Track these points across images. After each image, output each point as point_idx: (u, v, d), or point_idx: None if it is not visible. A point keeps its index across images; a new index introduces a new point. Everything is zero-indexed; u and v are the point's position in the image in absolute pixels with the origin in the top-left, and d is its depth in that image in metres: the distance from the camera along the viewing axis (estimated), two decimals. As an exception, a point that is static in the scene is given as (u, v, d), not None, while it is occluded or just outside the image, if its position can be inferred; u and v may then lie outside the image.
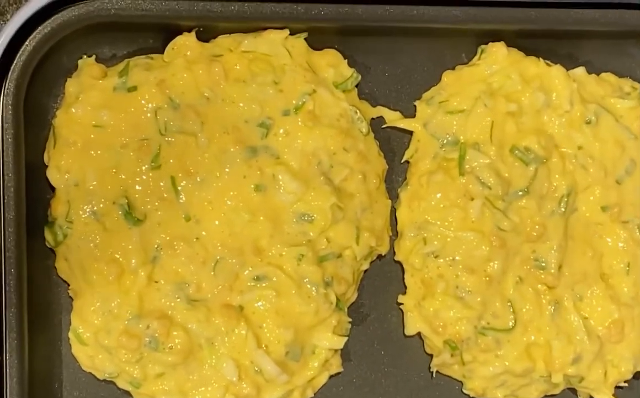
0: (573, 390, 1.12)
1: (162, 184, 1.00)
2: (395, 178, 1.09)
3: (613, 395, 1.10)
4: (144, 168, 1.00)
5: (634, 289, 1.08)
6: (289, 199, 1.02)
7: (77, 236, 0.99)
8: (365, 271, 1.08)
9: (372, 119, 1.08)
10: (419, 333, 1.09)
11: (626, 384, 1.12)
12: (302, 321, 1.02)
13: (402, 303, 1.09)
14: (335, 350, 1.05)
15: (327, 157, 1.03)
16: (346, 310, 1.06)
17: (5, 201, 0.95)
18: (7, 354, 0.95)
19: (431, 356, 1.09)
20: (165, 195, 1.00)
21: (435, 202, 1.06)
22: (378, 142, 1.08)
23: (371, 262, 1.09)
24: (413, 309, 1.08)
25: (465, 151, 1.06)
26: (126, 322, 0.99)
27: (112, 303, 0.99)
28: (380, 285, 1.09)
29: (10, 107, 0.95)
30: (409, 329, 1.09)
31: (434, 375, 1.09)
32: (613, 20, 1.07)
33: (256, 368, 1.01)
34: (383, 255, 1.08)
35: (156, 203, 1.00)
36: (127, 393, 1.03)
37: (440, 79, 1.10)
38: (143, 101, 1.00)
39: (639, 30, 1.09)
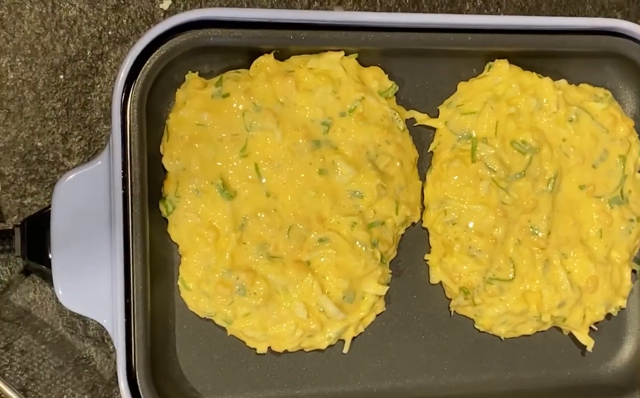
0: (558, 328, 1.16)
1: (248, 168, 1.04)
2: (424, 164, 1.13)
3: (588, 332, 1.15)
4: (234, 156, 1.04)
5: (605, 250, 1.13)
6: (345, 180, 1.06)
7: (183, 208, 1.03)
8: (402, 235, 1.12)
9: (407, 119, 1.12)
10: (440, 282, 1.13)
11: (595, 328, 1.17)
12: (354, 273, 1.06)
13: (427, 260, 1.14)
14: (380, 296, 1.09)
15: (373, 148, 1.07)
16: (388, 264, 1.10)
17: (132, 181, 0.99)
18: (134, 297, 1.00)
19: (450, 299, 1.14)
20: (250, 177, 1.04)
21: (453, 182, 1.10)
22: (411, 137, 1.13)
23: (406, 228, 1.12)
24: (436, 264, 1.13)
25: (476, 143, 1.10)
26: (221, 274, 1.04)
27: (210, 260, 1.04)
28: (412, 245, 1.13)
29: (135, 110, 1.00)
30: (433, 279, 1.13)
31: (452, 314, 1.14)
32: (590, 44, 1.12)
33: (320, 309, 1.06)
34: (415, 222, 1.13)
35: (244, 183, 1.04)
36: (222, 328, 1.08)
37: (457, 88, 1.14)
38: (234, 105, 1.04)
39: (611, 52, 1.13)
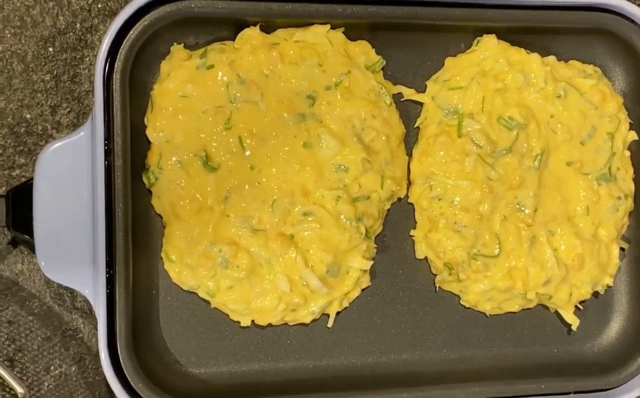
0: (545, 306, 1.14)
1: (232, 141, 1.02)
2: (410, 139, 1.11)
3: (573, 311, 1.13)
4: (218, 129, 1.02)
5: (592, 228, 1.10)
6: (330, 153, 1.04)
7: (166, 179, 1.01)
8: (388, 210, 1.10)
9: (394, 94, 1.09)
10: (426, 258, 1.11)
11: (581, 307, 1.15)
12: (339, 247, 1.04)
13: (413, 235, 1.11)
14: (364, 270, 1.07)
15: (359, 122, 1.05)
16: (373, 239, 1.08)
17: (115, 151, 0.97)
18: (116, 267, 0.98)
19: (435, 275, 1.12)
20: (234, 150, 1.02)
21: (439, 158, 1.08)
22: (398, 112, 1.10)
23: (392, 204, 1.10)
24: (421, 239, 1.10)
25: (463, 118, 1.08)
26: (204, 247, 1.02)
27: (193, 232, 1.02)
28: (398, 221, 1.11)
29: (118, 80, 0.97)
30: (418, 254, 1.11)
31: (437, 289, 1.12)
32: (580, 20, 1.09)
33: (304, 283, 1.04)
34: (401, 198, 1.10)
35: (227, 156, 1.02)
36: (206, 301, 1.06)
37: (444, 64, 1.11)
38: (218, 77, 1.02)
39: (600, 28, 1.10)
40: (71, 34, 1.11)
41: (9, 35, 1.10)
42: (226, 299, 1.04)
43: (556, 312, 1.15)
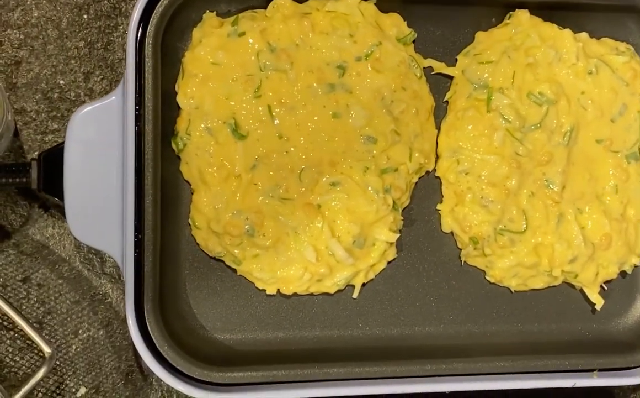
0: (570, 284, 1.12)
1: (261, 109, 1.00)
2: (440, 113, 1.09)
3: (599, 291, 1.11)
4: (248, 96, 1.00)
5: (621, 207, 1.08)
6: (358, 124, 1.02)
7: (194, 146, 1.00)
8: (416, 183, 1.08)
9: (424, 68, 1.08)
10: (452, 232, 1.09)
11: (606, 287, 1.12)
12: (366, 218, 1.02)
13: (439, 209, 1.10)
14: (391, 243, 1.05)
15: (388, 93, 1.03)
16: (400, 211, 1.06)
17: (146, 116, 0.96)
18: (145, 232, 0.96)
19: (461, 249, 1.10)
20: (263, 118, 1.01)
21: (467, 132, 1.06)
22: (429, 85, 1.08)
23: (420, 177, 1.09)
24: (448, 214, 1.09)
25: (492, 93, 1.05)
26: (231, 215, 1.00)
27: (220, 199, 1.00)
28: (425, 194, 1.09)
29: (150, 46, 0.96)
30: (444, 228, 1.09)
31: (462, 263, 1.10)
32: None
33: (330, 253, 1.02)
34: (430, 171, 1.09)
35: (256, 124, 1.00)
36: (232, 268, 1.05)
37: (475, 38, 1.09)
38: (249, 44, 1.00)
39: (633, 6, 1.09)
40: (105, 1, 1.10)
41: (44, 1, 1.09)
42: (252, 267, 1.02)
43: (581, 290, 1.12)
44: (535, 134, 1.05)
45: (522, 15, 1.07)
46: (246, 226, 1.01)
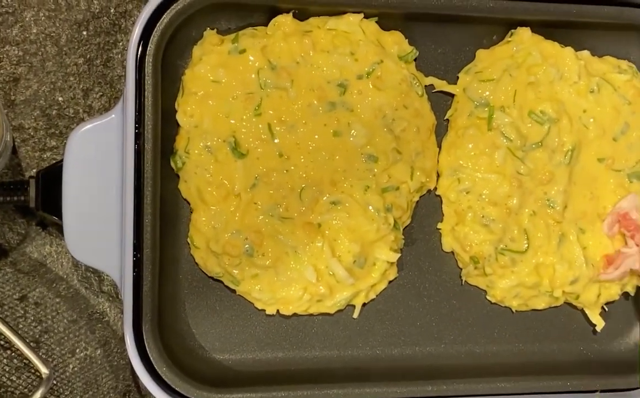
0: (572, 305, 1.11)
1: (261, 127, 1.00)
2: (441, 131, 1.09)
3: (600, 312, 1.10)
4: (248, 115, 1.00)
5: None
6: (359, 143, 1.02)
7: (193, 164, 0.99)
8: (417, 202, 1.08)
9: (425, 86, 1.07)
10: (452, 251, 1.09)
11: (606, 308, 1.12)
12: (366, 237, 1.01)
13: (440, 228, 1.09)
14: (392, 262, 1.05)
15: (390, 112, 1.03)
16: (401, 230, 1.06)
17: (145, 135, 0.95)
18: (144, 251, 0.95)
19: (461, 269, 1.09)
20: (263, 136, 1.00)
21: (468, 150, 1.05)
22: (430, 103, 1.08)
23: (421, 196, 1.08)
24: (448, 233, 1.08)
25: (493, 111, 1.05)
26: (230, 234, 0.99)
27: (219, 219, 1.00)
28: (427, 213, 1.09)
29: (151, 64, 0.95)
30: (445, 247, 1.09)
31: (463, 283, 1.09)
32: (614, 15, 1.06)
33: (330, 273, 1.01)
34: (431, 190, 1.08)
35: (256, 142, 1.00)
36: (231, 289, 1.04)
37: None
38: (249, 62, 1.00)
39: (635, 24, 1.08)
40: (105, 18, 1.10)
41: (43, 17, 1.08)
42: (251, 288, 1.02)
43: (582, 311, 1.12)
44: (537, 153, 1.05)
45: (523, 33, 1.07)
46: (245, 246, 1.00)
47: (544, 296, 1.09)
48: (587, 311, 1.11)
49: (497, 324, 1.11)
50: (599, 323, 1.11)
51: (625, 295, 1.12)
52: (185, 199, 1.03)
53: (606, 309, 1.12)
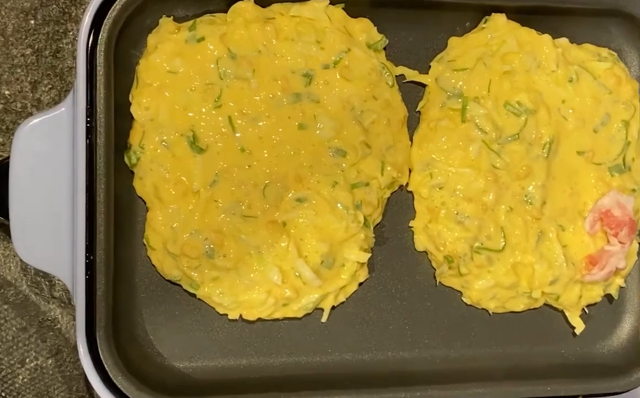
0: (552, 306, 1.12)
1: (221, 120, 1.00)
2: (413, 124, 1.09)
3: (580, 315, 1.12)
4: (207, 107, 1.00)
5: None
6: (326, 136, 1.02)
7: (149, 160, 0.99)
8: (388, 199, 1.08)
9: (396, 76, 1.07)
10: (426, 250, 1.09)
11: (587, 311, 1.12)
12: (335, 237, 1.02)
13: (412, 226, 1.09)
14: (362, 263, 1.05)
15: (358, 103, 1.03)
16: (372, 228, 1.06)
17: (98, 129, 0.94)
18: (97, 253, 0.94)
19: (435, 269, 1.10)
20: (224, 130, 1.00)
21: (441, 143, 1.05)
22: (401, 94, 1.08)
23: (393, 192, 1.08)
24: (421, 231, 1.08)
25: (467, 102, 1.05)
26: (188, 235, 0.99)
27: (177, 218, 0.99)
28: (399, 210, 1.09)
29: (102, 54, 0.94)
30: (418, 246, 1.09)
31: (437, 284, 1.09)
32: (593, 0, 1.07)
33: (296, 274, 1.01)
34: (403, 186, 1.08)
35: (217, 137, 1.00)
36: (191, 293, 1.03)
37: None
38: (208, 50, 0.99)
39: (615, 10, 1.09)
40: (54, 6, 1.09)
41: (-13, 6, 1.07)
42: (212, 291, 1.02)
43: (563, 312, 1.12)
44: (513, 146, 1.05)
45: (498, 20, 1.07)
46: (205, 247, 1.00)
47: (522, 298, 1.09)
48: (567, 313, 1.12)
49: (473, 327, 1.11)
50: (579, 326, 1.11)
51: (608, 297, 1.13)
52: (140, 198, 1.02)
53: (587, 311, 1.13)
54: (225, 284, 1.02)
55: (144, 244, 1.03)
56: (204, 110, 1.00)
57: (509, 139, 1.06)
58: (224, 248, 1.00)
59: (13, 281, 1.08)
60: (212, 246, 1.00)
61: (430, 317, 1.10)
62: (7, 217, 0.97)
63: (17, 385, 1.06)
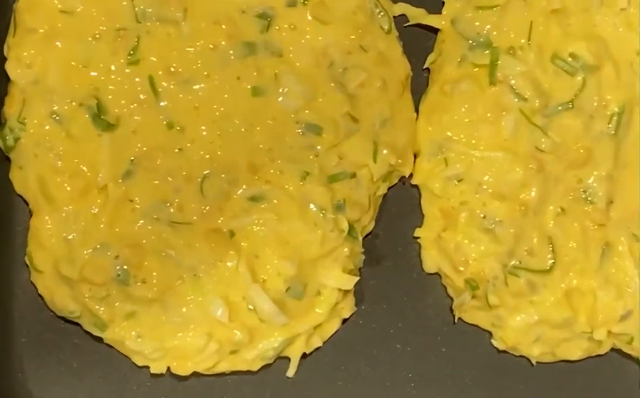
0: (622, 353, 1.10)
1: (139, 82, 1.00)
2: (419, 87, 1.08)
3: None
4: (118, 63, 0.99)
5: None
6: (293, 105, 1.01)
7: (32, 141, 0.99)
8: (384, 196, 1.08)
9: (394, 17, 1.07)
10: (438, 272, 1.08)
11: None
12: (306, 252, 1.01)
13: (419, 237, 1.08)
14: (346, 291, 1.04)
15: (340, 57, 1.03)
16: (360, 240, 1.05)
17: None
18: None
19: (452, 299, 1.09)
20: (142, 97, 1.00)
21: (460, 116, 1.06)
22: (402, 44, 1.07)
23: (390, 186, 1.08)
24: (431, 243, 1.08)
25: (498, 55, 1.05)
26: (91, 250, 0.99)
27: (74, 226, 0.99)
28: (398, 213, 1.09)
29: None
30: (427, 266, 1.08)
31: (455, 320, 1.08)
32: None
33: (250, 307, 1.00)
34: (405, 177, 1.07)
35: (132, 106, 1.00)
36: (96, 336, 1.03)
37: None
38: None
39: None
40: None
41: None
42: (125, 333, 1.01)
43: (638, 361, 1.10)
44: (566, 118, 1.05)
45: None
46: (116, 269, 0.99)
47: (580, 340, 1.08)
48: (641, 361, 1.10)
49: (509, 382, 1.10)
50: (666, 378, 1.10)
51: None
52: (20, 197, 1.01)
53: (673, 357, 1.12)
54: (146, 323, 1.01)
55: (26, 265, 1.01)
56: (113, 68, 1.00)
57: (560, 108, 1.05)
58: (143, 270, 0.99)
59: None
60: (125, 267, 0.99)
61: (445, 369, 1.09)
62: None
63: None
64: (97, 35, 0.99)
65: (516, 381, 1.10)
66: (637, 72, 1.06)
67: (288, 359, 1.05)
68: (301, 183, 1.01)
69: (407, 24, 1.08)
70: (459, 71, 1.07)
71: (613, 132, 1.05)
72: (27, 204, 1.01)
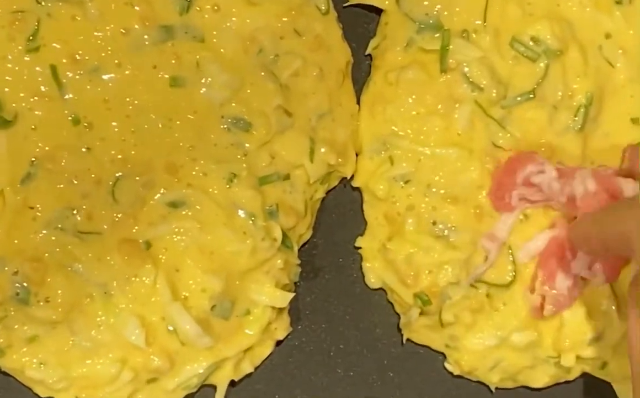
0: (595, 378, 1.13)
1: (39, 72, 1.00)
2: (360, 75, 1.10)
3: None
4: (16, 50, 1.00)
5: None
6: (218, 98, 1.03)
7: None
8: (322, 201, 1.09)
9: None
10: (383, 287, 1.10)
11: None
12: (234, 265, 1.03)
13: (360, 247, 1.10)
14: (280, 309, 1.05)
15: (271, 43, 1.05)
16: (296, 251, 1.07)
17: None
18: None
19: (399, 316, 1.11)
20: (44, 89, 1.01)
21: (407, 107, 1.08)
22: (342, 27, 1.09)
23: (329, 190, 1.10)
24: (375, 254, 1.09)
25: (449, 39, 1.07)
26: None
27: None
28: (338, 220, 1.11)
29: None
30: (370, 280, 1.10)
31: (403, 341, 1.10)
32: None
33: (169, 328, 1.01)
34: (347, 178, 1.09)
35: (32, 100, 1.01)
36: None
37: None
38: None
39: None
40: None
41: None
42: (25, 360, 1.01)
43: (611, 386, 1.13)
44: (527, 110, 1.07)
45: None
46: (15, 286, 1.00)
47: (545, 366, 1.10)
48: (615, 387, 1.13)
49: None
50: (638, 408, 1.14)
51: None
52: None
53: (651, 383, 1.14)
54: (49, 348, 1.01)
55: None
56: (10, 57, 1.00)
57: (519, 99, 1.07)
58: (45, 287, 1.00)
59: None
60: (25, 284, 1.00)
61: (393, 397, 1.11)
62: None
63: None
64: (-10, 18, 0.99)
65: (473, 408, 1.12)
66: (606, 57, 1.08)
67: (214, 387, 1.07)
68: (227, 186, 1.02)
69: (347, 3, 1.10)
70: (406, 57, 1.08)
71: (579, 126, 1.07)
72: None
